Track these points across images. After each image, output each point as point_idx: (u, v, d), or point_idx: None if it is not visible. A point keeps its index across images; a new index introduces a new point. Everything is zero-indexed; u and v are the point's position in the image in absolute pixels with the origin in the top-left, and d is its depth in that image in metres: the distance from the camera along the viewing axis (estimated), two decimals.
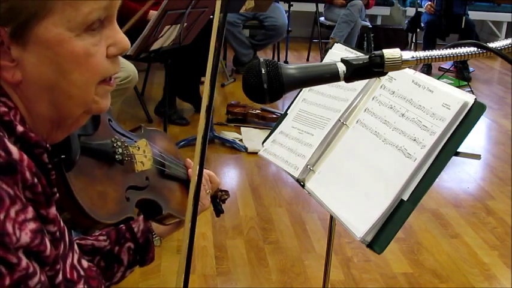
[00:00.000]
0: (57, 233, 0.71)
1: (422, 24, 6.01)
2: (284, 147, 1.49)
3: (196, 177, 0.83)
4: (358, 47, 5.87)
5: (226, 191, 1.38)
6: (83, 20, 0.68)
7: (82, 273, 0.78)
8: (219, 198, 1.36)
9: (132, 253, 1.10)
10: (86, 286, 0.78)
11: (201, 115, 0.84)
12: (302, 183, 1.40)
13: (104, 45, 0.72)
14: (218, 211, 1.37)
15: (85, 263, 0.81)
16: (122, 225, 1.12)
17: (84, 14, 0.68)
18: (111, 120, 1.01)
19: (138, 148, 1.03)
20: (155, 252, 1.15)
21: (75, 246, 0.79)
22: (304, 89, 1.56)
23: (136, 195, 0.98)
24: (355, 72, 0.86)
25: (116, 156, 0.94)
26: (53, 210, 0.69)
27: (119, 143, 0.95)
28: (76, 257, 0.78)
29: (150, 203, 1.04)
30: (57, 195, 0.75)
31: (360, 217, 1.22)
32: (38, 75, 0.69)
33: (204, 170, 1.24)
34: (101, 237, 1.10)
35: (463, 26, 5.65)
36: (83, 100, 0.74)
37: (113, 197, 0.91)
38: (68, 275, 0.75)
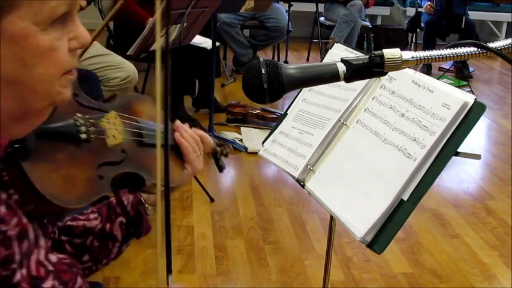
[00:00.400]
0: (9, 232, 0.70)
1: (422, 24, 6.01)
2: (284, 147, 1.49)
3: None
4: (358, 47, 5.87)
5: (226, 145, 1.33)
6: (49, 14, 0.68)
7: (51, 268, 0.77)
8: (219, 153, 1.31)
9: (124, 227, 1.09)
10: (56, 281, 0.77)
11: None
12: (302, 183, 1.40)
13: (66, 39, 0.72)
14: (220, 167, 1.33)
15: (53, 257, 0.79)
16: (112, 199, 1.10)
17: (51, 8, 0.67)
18: (77, 95, 0.96)
19: (108, 121, 0.97)
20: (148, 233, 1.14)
21: (42, 242, 0.78)
22: (304, 89, 1.56)
23: (111, 171, 0.93)
24: (355, 72, 0.86)
25: (81, 135, 0.89)
26: (2, 209, 0.69)
27: (81, 121, 0.90)
28: (43, 252, 0.77)
29: (131, 175, 0.99)
30: (15, 196, 0.74)
31: (360, 217, 1.22)
32: (1, 69, 0.68)
33: (196, 130, 1.19)
34: (92, 216, 1.09)
35: (463, 26, 5.65)
36: (47, 94, 0.73)
37: (81, 178, 0.86)
38: (34, 272, 0.74)
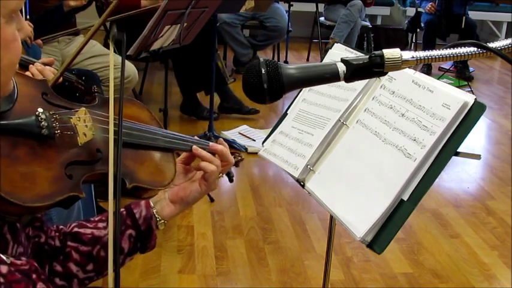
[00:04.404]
0: None
1: (422, 24, 6.01)
2: (284, 147, 1.49)
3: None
4: (358, 47, 5.87)
5: (237, 153, 1.27)
6: (15, 7, 0.69)
7: (1, 280, 0.74)
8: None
9: (133, 241, 1.08)
10: None
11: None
12: (302, 183, 1.40)
13: (16, 29, 0.73)
14: (230, 177, 1.28)
15: (4, 268, 0.76)
16: (122, 210, 1.08)
17: (17, 1, 0.69)
18: (46, 94, 0.93)
19: (79, 118, 0.94)
20: (155, 247, 1.12)
21: None
22: (304, 89, 1.56)
23: (83, 171, 0.89)
24: (355, 72, 0.86)
25: (42, 131, 0.84)
26: None
27: (43, 116, 0.85)
28: None
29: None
30: None
31: (360, 217, 1.22)
32: None
33: (218, 145, 1.16)
34: (100, 224, 1.07)
35: (463, 26, 5.65)
36: (6, 85, 0.73)
37: (45, 176, 0.82)
38: None
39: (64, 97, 0.98)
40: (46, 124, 0.85)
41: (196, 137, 1.20)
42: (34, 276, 0.78)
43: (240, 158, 1.27)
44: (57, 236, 1.06)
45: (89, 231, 1.06)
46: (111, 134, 0.89)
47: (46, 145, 0.85)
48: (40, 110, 0.87)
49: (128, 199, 1.06)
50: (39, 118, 0.85)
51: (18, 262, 0.78)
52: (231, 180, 1.29)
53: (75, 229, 1.07)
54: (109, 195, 0.80)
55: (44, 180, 0.82)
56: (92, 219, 1.10)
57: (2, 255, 0.75)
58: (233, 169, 1.31)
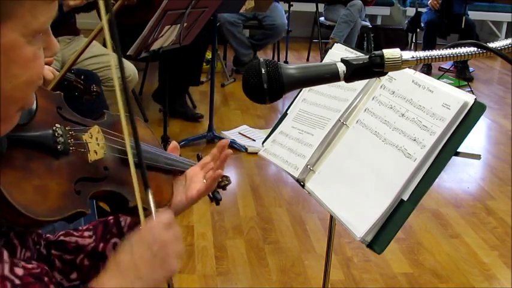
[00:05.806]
0: None
1: (422, 24, 6.01)
2: (284, 147, 1.49)
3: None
4: (358, 47, 5.87)
5: (226, 177, 1.30)
6: (38, 28, 0.69)
7: (17, 282, 0.75)
8: (216, 185, 1.29)
9: (117, 249, 1.07)
10: None
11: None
12: (302, 183, 1.40)
13: (41, 48, 0.73)
14: (216, 199, 1.30)
15: (19, 271, 0.76)
16: (110, 218, 1.09)
17: (41, 22, 0.69)
18: (60, 108, 0.94)
19: (91, 136, 0.95)
20: None
21: (5, 256, 0.75)
22: (304, 89, 1.56)
23: (90, 188, 0.90)
24: (355, 72, 0.86)
25: (58, 146, 0.86)
26: None
27: (59, 132, 0.87)
28: (7, 267, 0.75)
29: (113, 194, 0.96)
30: None
31: (360, 217, 1.22)
32: None
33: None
34: (86, 233, 1.07)
35: (463, 26, 5.65)
36: (24, 102, 0.73)
37: (56, 191, 0.83)
38: None
39: (71, 106, 0.99)
40: (62, 140, 0.87)
41: (191, 160, 1.22)
42: (46, 279, 0.79)
43: (227, 182, 1.30)
44: (44, 244, 1.05)
45: (73, 239, 1.05)
46: (129, 150, 0.90)
47: (58, 160, 0.86)
48: (57, 125, 0.88)
49: (126, 215, 1.08)
50: (56, 133, 0.87)
51: (29, 266, 0.78)
52: (217, 204, 1.32)
53: (61, 238, 1.06)
54: (136, 195, 0.84)
55: (55, 194, 0.83)
56: (80, 227, 1.10)
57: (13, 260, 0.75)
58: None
